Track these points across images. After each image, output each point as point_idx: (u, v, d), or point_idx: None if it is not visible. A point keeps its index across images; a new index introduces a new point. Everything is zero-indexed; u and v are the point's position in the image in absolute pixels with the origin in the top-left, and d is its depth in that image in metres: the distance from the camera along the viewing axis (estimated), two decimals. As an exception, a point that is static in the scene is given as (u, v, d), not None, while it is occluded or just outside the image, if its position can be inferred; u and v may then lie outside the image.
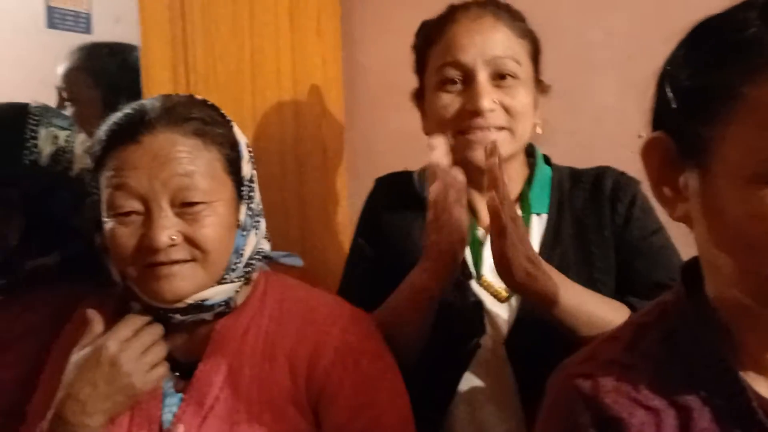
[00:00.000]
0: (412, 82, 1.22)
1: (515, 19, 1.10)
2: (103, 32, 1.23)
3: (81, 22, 1.18)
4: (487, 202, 0.91)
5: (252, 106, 1.49)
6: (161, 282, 0.86)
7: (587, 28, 1.45)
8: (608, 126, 1.45)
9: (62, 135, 1.12)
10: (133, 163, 0.85)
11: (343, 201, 1.78)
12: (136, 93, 1.24)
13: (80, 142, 1.14)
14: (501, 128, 1.06)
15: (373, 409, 0.90)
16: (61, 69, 1.44)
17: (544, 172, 1.16)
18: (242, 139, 0.95)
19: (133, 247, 0.86)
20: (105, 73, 1.39)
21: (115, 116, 0.90)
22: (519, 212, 1.03)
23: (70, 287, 1.07)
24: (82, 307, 0.97)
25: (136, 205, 0.85)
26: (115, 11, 1.24)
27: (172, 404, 0.89)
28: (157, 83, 1.26)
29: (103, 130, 0.90)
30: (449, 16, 1.11)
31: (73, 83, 1.42)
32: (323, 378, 0.89)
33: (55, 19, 1.14)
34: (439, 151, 0.95)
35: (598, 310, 0.97)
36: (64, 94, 1.42)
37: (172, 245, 0.85)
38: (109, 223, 0.87)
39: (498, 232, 0.93)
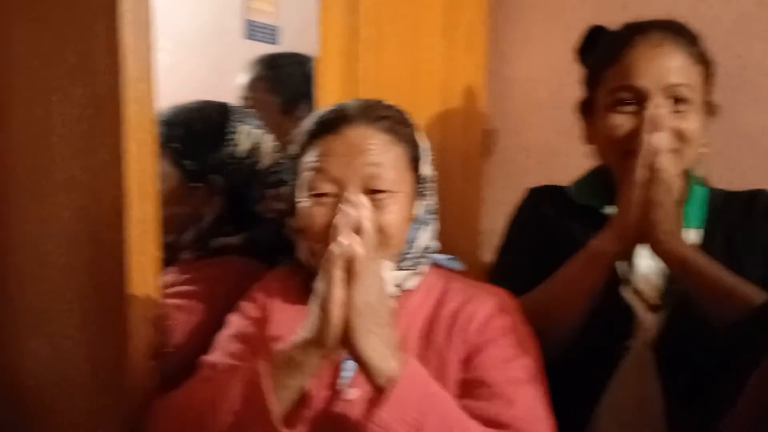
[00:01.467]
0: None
1: (692, 43, 1.13)
2: (287, 44, 1.37)
3: (272, 34, 1.32)
4: (650, 142, 1.01)
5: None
6: None
7: (745, 49, 1.45)
8: (762, 149, 1.45)
9: (255, 133, 1.26)
10: (332, 151, 0.98)
11: (479, 209, 1.85)
12: (310, 100, 1.37)
13: (267, 142, 1.28)
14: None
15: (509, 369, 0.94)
16: (244, 78, 1.60)
17: (699, 191, 1.19)
18: (423, 142, 1.06)
19: (325, 225, 0.96)
20: (285, 82, 1.53)
21: (320, 112, 1.04)
22: None
23: (238, 261, 1.19)
24: (258, 288, 1.08)
25: (331, 188, 0.98)
26: (299, 25, 1.37)
27: (348, 369, 0.97)
28: (329, 92, 1.39)
29: (308, 122, 1.04)
30: (629, 39, 1.13)
31: (256, 91, 1.57)
32: (475, 336, 0.96)
33: (252, 31, 1.28)
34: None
35: (739, 287, 1.01)
36: (248, 102, 1.58)
37: None
38: (305, 203, 1.00)
39: (652, 175, 1.01)
